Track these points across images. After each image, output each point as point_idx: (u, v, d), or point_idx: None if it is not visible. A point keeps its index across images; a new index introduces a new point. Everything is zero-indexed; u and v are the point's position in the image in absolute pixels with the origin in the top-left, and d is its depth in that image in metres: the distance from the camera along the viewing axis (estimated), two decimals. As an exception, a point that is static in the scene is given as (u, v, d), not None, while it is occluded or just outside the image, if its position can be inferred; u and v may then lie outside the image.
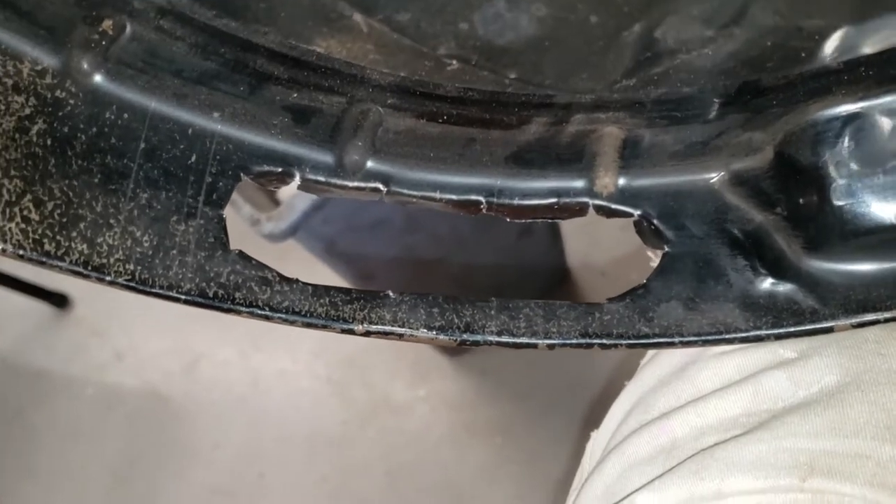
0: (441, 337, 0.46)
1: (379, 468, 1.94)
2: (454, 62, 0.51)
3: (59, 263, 0.45)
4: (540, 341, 0.47)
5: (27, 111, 0.46)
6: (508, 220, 0.50)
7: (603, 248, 1.90)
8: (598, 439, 0.60)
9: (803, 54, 0.48)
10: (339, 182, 0.49)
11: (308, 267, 1.26)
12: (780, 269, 0.46)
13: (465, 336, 0.47)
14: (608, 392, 0.61)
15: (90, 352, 2.25)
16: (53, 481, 2.10)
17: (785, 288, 0.46)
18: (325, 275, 1.38)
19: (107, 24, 0.48)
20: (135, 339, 2.23)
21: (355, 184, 0.49)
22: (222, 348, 2.16)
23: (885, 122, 0.42)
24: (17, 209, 0.45)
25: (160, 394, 2.14)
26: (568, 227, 1.75)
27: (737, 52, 0.49)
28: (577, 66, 0.51)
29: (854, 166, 0.43)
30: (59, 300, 2.29)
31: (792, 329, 0.45)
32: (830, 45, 0.48)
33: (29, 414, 2.20)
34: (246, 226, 1.13)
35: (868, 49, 0.48)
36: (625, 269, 1.85)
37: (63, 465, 2.11)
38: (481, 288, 1.70)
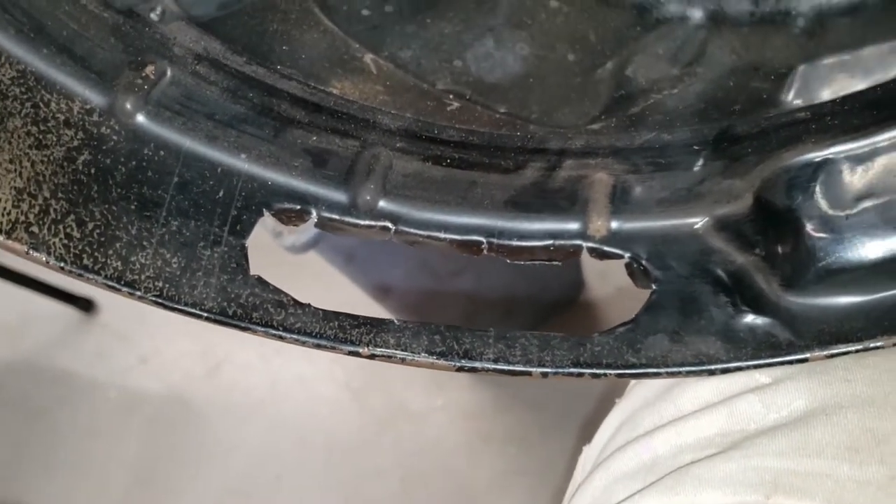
0: (441, 362, 0.50)
1: (394, 475, 1.95)
2: (453, 101, 0.54)
3: (95, 277, 0.49)
4: (534, 369, 0.49)
5: (75, 143, 0.50)
6: (508, 261, 0.53)
7: (619, 264, 1.91)
8: (588, 454, 0.63)
9: (765, 95, 0.51)
10: (352, 220, 0.53)
11: (328, 279, 1.29)
12: (759, 305, 0.49)
13: (463, 362, 0.50)
14: (601, 409, 0.64)
15: (115, 355, 2.27)
16: (75, 480, 2.12)
17: (764, 322, 0.49)
18: (343, 284, 1.41)
19: (149, 69, 0.52)
20: (158, 343, 2.25)
21: (367, 222, 0.53)
22: (244, 353, 2.18)
23: (851, 168, 0.45)
24: (61, 227, 0.49)
25: (182, 397, 2.17)
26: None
27: (704, 93, 0.52)
28: (559, 101, 0.54)
29: (825, 209, 0.46)
30: (85, 305, 2.32)
31: (770, 360, 0.48)
32: (790, 87, 0.52)
33: (53, 414, 2.22)
34: (269, 237, 1.17)
35: (826, 93, 0.51)
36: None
37: (85, 465, 2.13)
38: (495, 301, 1.72)
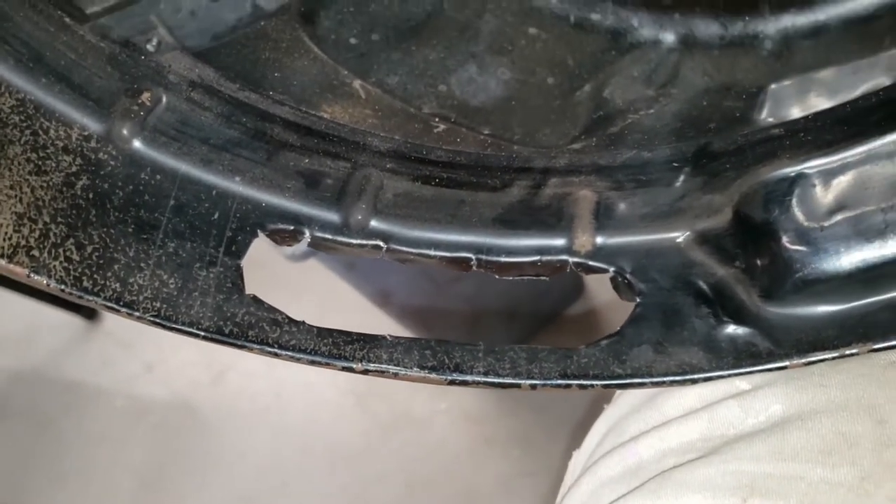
0: (433, 376, 0.51)
1: (399, 479, 1.96)
2: (440, 123, 0.56)
3: (95, 299, 0.51)
4: (523, 381, 0.51)
5: (74, 169, 0.52)
6: (497, 276, 0.55)
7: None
8: (578, 458, 0.65)
9: (738, 114, 0.53)
10: (345, 240, 0.55)
11: (329, 285, 1.30)
12: (739, 316, 0.51)
13: (454, 376, 0.51)
14: (597, 400, 0.66)
15: (120, 363, 2.28)
16: (82, 488, 2.12)
17: (744, 332, 0.51)
18: (344, 291, 1.42)
19: (145, 96, 0.54)
20: (163, 351, 2.26)
21: (359, 241, 0.55)
22: (248, 360, 2.18)
23: (825, 182, 0.47)
24: (61, 250, 0.50)
25: (187, 404, 2.18)
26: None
27: (680, 113, 0.54)
28: (540, 123, 0.56)
29: (800, 222, 0.48)
30: (89, 313, 2.32)
31: (750, 369, 0.50)
32: (762, 106, 0.53)
33: (60, 422, 2.23)
34: (270, 247, 1.18)
35: (796, 111, 0.53)
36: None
37: (92, 472, 2.14)
38: (495, 308, 1.73)
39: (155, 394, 2.21)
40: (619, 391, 0.63)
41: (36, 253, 0.49)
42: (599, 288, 1.98)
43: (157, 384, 2.22)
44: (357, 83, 0.56)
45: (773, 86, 0.53)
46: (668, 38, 0.54)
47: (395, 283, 1.49)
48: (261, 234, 0.54)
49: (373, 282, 1.45)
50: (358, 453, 2.01)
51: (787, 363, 0.50)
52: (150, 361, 2.25)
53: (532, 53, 0.56)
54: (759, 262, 0.50)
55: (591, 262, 0.54)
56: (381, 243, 0.55)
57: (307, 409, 2.10)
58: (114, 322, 2.34)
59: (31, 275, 0.49)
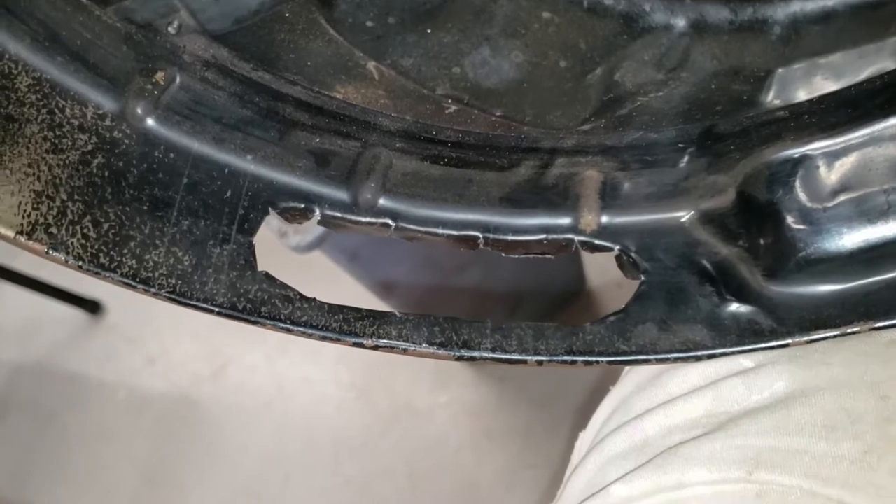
0: (441, 352, 0.52)
1: (401, 472, 1.97)
2: (451, 104, 0.57)
3: (111, 275, 0.51)
4: (529, 357, 0.52)
5: (89, 147, 0.53)
6: (504, 255, 0.56)
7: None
8: (584, 438, 0.66)
9: (745, 97, 0.54)
10: (354, 218, 0.56)
11: (332, 278, 1.31)
12: (743, 295, 0.52)
13: (462, 352, 0.52)
14: (597, 392, 0.67)
15: (122, 357, 2.30)
16: (85, 481, 2.14)
17: (747, 310, 0.52)
18: (348, 283, 1.43)
19: (159, 75, 0.54)
20: (166, 344, 2.28)
21: (368, 219, 0.56)
22: (250, 354, 2.20)
23: (828, 163, 0.48)
24: (78, 227, 0.51)
25: (189, 398, 2.19)
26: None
27: (688, 95, 0.54)
28: (551, 105, 0.56)
29: (804, 203, 0.48)
30: (92, 307, 2.35)
31: (753, 346, 0.51)
32: (768, 89, 0.54)
33: (63, 416, 2.25)
34: (274, 238, 1.18)
35: (802, 94, 0.53)
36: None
37: (94, 466, 2.16)
38: (499, 299, 1.73)
39: (157, 387, 2.22)
40: (625, 371, 0.64)
41: (54, 230, 0.50)
42: (601, 279, 1.98)
43: (159, 378, 2.23)
44: (371, 65, 0.57)
45: (780, 70, 0.54)
46: (680, 22, 0.54)
47: (399, 275, 1.49)
48: (272, 212, 0.55)
49: (376, 273, 1.45)
50: (359, 446, 2.03)
51: (789, 341, 0.50)
52: (152, 355, 2.27)
53: (545, 37, 0.56)
54: (762, 241, 0.51)
55: (596, 241, 0.55)
56: (390, 221, 0.55)
57: (309, 402, 2.12)
58: (116, 316, 2.36)
59: (50, 251, 0.50)
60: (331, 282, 1.22)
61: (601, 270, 1.97)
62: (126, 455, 2.17)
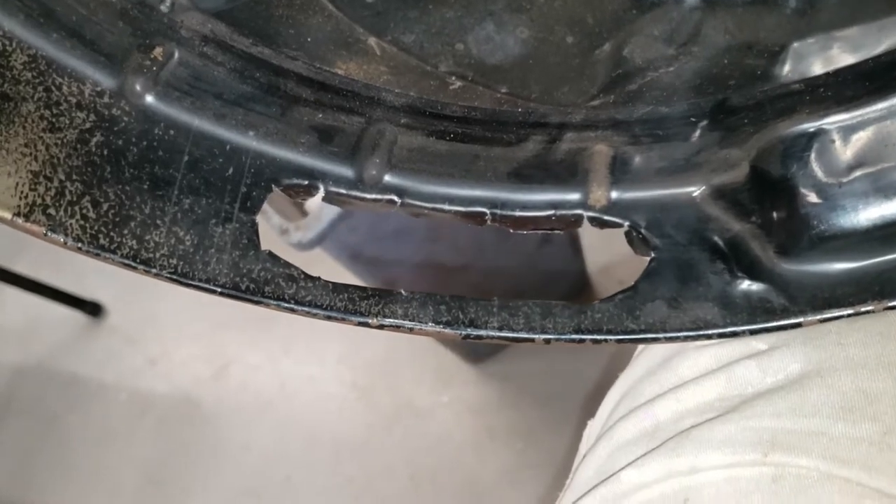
0: (447, 331, 0.51)
1: (403, 471, 1.96)
2: (455, 80, 0.56)
3: (112, 256, 0.50)
4: (537, 336, 0.51)
5: (87, 125, 0.52)
6: (511, 230, 0.55)
7: (621, 258, 1.92)
8: (593, 426, 0.65)
9: (759, 72, 0.53)
10: (359, 194, 0.55)
11: (334, 275, 1.31)
12: (755, 272, 0.50)
13: (469, 330, 0.51)
14: (604, 383, 0.66)
15: (123, 358, 2.29)
16: (87, 482, 2.14)
17: (759, 288, 0.50)
18: (349, 280, 1.42)
19: (157, 51, 0.53)
20: (167, 345, 2.27)
21: (373, 196, 0.54)
22: (252, 354, 2.20)
23: (844, 138, 0.47)
24: (77, 208, 0.50)
25: (191, 398, 2.19)
26: (588, 236, 1.78)
27: (700, 70, 0.53)
28: (558, 81, 0.56)
29: (819, 178, 0.47)
30: (93, 309, 2.35)
31: (765, 325, 0.50)
32: (783, 63, 0.53)
33: (64, 418, 2.25)
34: (275, 235, 1.18)
35: (818, 68, 0.52)
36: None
37: (97, 467, 2.16)
38: (501, 296, 1.72)
39: (159, 388, 2.22)
40: (633, 356, 0.63)
41: (52, 211, 0.49)
42: (602, 282, 1.98)
43: (160, 378, 2.24)
44: (372, 40, 0.56)
45: (795, 44, 0.53)
46: None
47: (400, 273, 1.49)
48: (275, 189, 0.54)
49: (377, 271, 1.45)
50: (361, 445, 2.02)
51: (801, 319, 0.49)
52: (153, 356, 2.27)
53: (551, 12, 0.55)
54: (775, 217, 0.49)
55: (605, 217, 0.53)
56: (396, 198, 0.54)
57: (311, 401, 2.12)
58: (117, 317, 2.36)
59: (48, 233, 0.49)
60: (333, 278, 1.21)
61: (603, 268, 1.96)
62: (128, 456, 2.16)
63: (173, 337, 2.28)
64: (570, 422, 1.83)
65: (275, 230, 1.18)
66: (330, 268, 1.31)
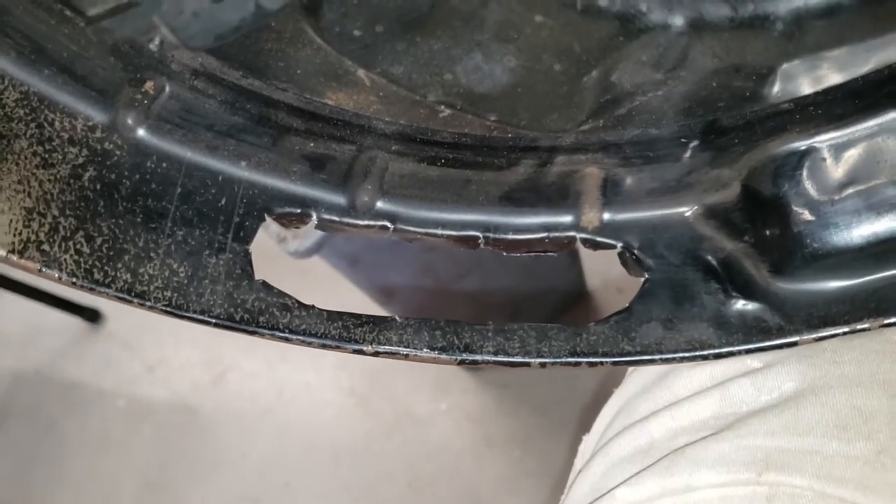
0: (443, 356, 0.51)
1: (401, 479, 1.96)
2: (445, 109, 0.56)
3: (107, 290, 0.50)
4: (532, 360, 0.51)
5: (80, 160, 0.52)
6: (505, 253, 0.55)
7: (619, 265, 1.91)
8: (588, 442, 0.65)
9: (748, 93, 0.53)
10: (352, 221, 0.55)
11: (332, 283, 1.31)
12: (749, 292, 0.50)
13: (464, 356, 0.51)
14: (599, 398, 0.66)
15: (121, 365, 2.29)
16: (85, 489, 2.14)
17: (754, 307, 0.50)
18: (347, 288, 1.42)
19: (148, 85, 0.54)
20: (165, 351, 2.27)
21: (366, 222, 0.55)
22: (250, 360, 2.20)
23: (835, 156, 0.47)
24: (71, 243, 0.50)
25: (189, 405, 2.19)
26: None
27: (689, 93, 0.53)
28: (547, 108, 0.56)
29: (811, 196, 0.47)
30: (91, 315, 2.35)
31: (760, 345, 0.50)
32: (772, 84, 0.53)
33: (62, 424, 2.25)
34: (273, 243, 1.18)
35: (807, 88, 0.52)
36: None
37: (94, 474, 2.15)
38: (499, 305, 1.72)
39: (157, 395, 2.22)
40: (628, 372, 0.63)
41: (46, 247, 0.50)
42: (600, 290, 1.98)
43: (158, 385, 2.23)
44: (361, 72, 0.56)
45: (784, 66, 0.53)
46: (677, 21, 0.53)
47: (398, 281, 1.49)
48: (268, 219, 0.54)
49: (376, 279, 1.45)
50: (360, 452, 2.02)
51: (797, 339, 0.49)
52: (151, 362, 2.27)
53: (538, 41, 0.56)
54: (768, 236, 0.49)
55: (598, 238, 0.53)
56: (388, 224, 0.54)
57: (309, 408, 2.12)
58: (115, 324, 2.36)
59: (43, 269, 0.49)
60: (330, 287, 1.22)
61: (601, 275, 1.96)
62: (126, 462, 2.16)
63: (171, 343, 2.28)
64: (567, 430, 1.83)
65: (273, 238, 1.18)
66: (328, 276, 1.31)
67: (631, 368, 0.64)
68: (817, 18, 0.53)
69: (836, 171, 0.47)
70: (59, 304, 2.27)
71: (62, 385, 2.31)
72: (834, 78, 0.52)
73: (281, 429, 2.11)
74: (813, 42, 0.53)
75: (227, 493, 2.06)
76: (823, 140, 0.47)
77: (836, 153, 0.47)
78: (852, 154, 0.47)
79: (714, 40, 0.54)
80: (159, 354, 2.28)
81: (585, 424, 0.67)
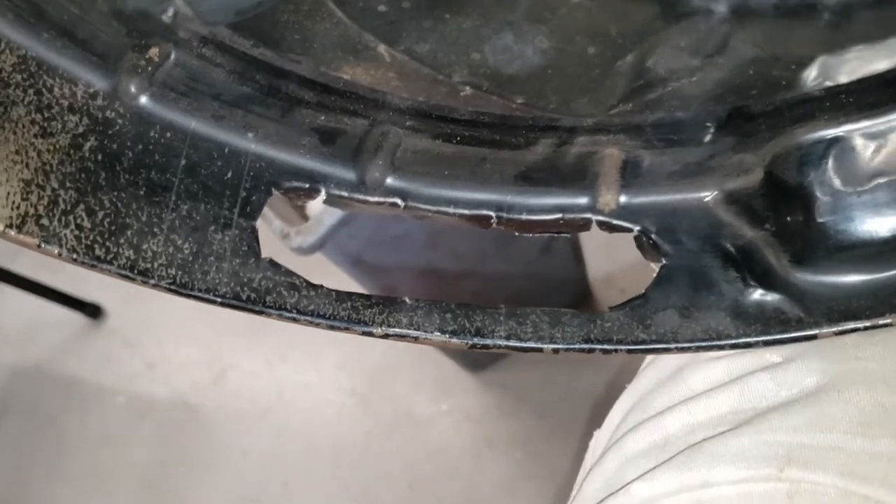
0: (454, 340, 0.50)
1: (401, 479, 1.96)
2: (467, 88, 0.55)
3: (108, 267, 0.49)
4: (545, 346, 0.49)
5: (80, 129, 0.50)
6: (517, 234, 0.53)
7: (623, 266, 1.92)
8: (600, 437, 0.63)
9: (784, 82, 0.51)
10: (361, 197, 0.53)
11: (335, 281, 1.30)
12: (768, 281, 0.49)
13: (475, 340, 0.50)
14: (611, 395, 0.65)
15: (122, 361, 2.29)
16: (84, 487, 2.13)
17: (773, 298, 0.49)
18: (349, 286, 1.41)
19: (153, 51, 0.52)
20: (165, 349, 2.27)
21: (376, 199, 0.53)
22: (250, 359, 2.19)
23: (864, 146, 0.45)
24: (71, 217, 0.48)
25: (189, 403, 2.18)
26: (589, 244, 1.77)
27: (723, 80, 0.52)
28: (577, 92, 0.54)
29: (836, 186, 0.46)
30: (92, 311, 2.34)
31: (779, 336, 0.48)
32: (809, 74, 0.52)
33: (62, 421, 2.24)
34: (276, 239, 1.17)
35: (844, 78, 0.51)
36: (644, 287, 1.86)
37: (94, 471, 2.15)
38: (502, 303, 1.71)
39: (157, 392, 2.21)
40: (642, 366, 0.62)
41: (46, 221, 0.48)
42: (604, 292, 1.97)
43: (158, 382, 2.23)
44: (382, 47, 0.54)
45: (824, 56, 0.51)
46: (721, 7, 0.52)
47: (401, 279, 1.48)
48: (276, 193, 0.52)
49: (378, 277, 1.44)
50: (360, 453, 2.02)
51: (816, 332, 0.48)
52: (151, 360, 2.26)
53: (573, 22, 0.54)
54: (790, 225, 0.48)
55: (614, 221, 0.52)
56: (399, 201, 0.53)
57: (309, 408, 2.11)
58: (116, 320, 2.35)
59: (42, 244, 0.47)
60: (333, 284, 1.21)
61: (605, 277, 1.96)
62: (125, 460, 2.16)
63: (172, 341, 2.27)
64: (569, 432, 1.82)
65: (276, 234, 1.18)
66: (331, 273, 1.30)
67: (645, 362, 0.62)
68: (865, 9, 0.51)
69: (865, 161, 0.45)
70: (61, 300, 2.26)
71: (62, 381, 2.30)
72: (873, 69, 0.50)
73: (281, 428, 2.10)
74: (860, 33, 0.51)
75: (227, 493, 2.05)
76: (853, 129, 0.45)
77: (864, 143, 0.45)
78: (882, 144, 0.45)
79: (756, 28, 0.52)
80: (160, 352, 2.27)
81: (592, 426, 0.66)
